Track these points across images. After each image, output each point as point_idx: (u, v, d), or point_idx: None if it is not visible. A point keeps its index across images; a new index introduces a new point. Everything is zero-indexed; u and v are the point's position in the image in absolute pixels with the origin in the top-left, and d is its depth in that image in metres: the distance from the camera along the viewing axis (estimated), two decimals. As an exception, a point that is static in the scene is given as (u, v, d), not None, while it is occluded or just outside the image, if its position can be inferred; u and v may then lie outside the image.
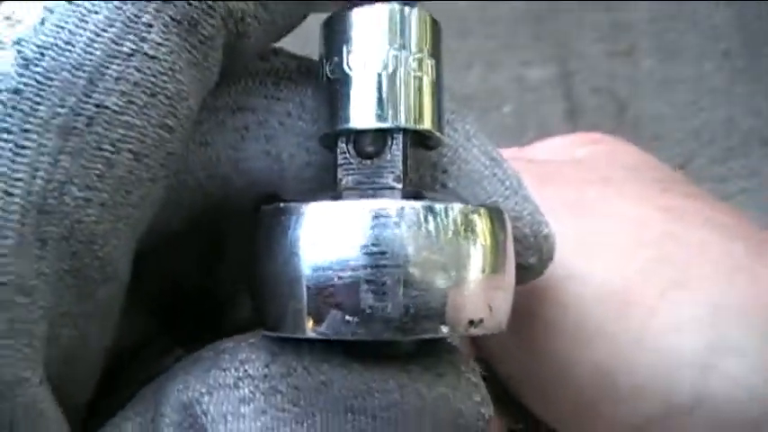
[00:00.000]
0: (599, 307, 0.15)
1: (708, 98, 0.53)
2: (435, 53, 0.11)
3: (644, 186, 0.17)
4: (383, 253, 0.09)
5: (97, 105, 0.09)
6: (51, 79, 0.09)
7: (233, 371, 0.10)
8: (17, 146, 0.09)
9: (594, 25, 0.53)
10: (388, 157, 0.11)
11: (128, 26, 0.09)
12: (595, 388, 0.15)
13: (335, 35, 0.11)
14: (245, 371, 0.10)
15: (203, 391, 0.10)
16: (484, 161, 0.12)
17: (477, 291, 0.10)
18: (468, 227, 0.10)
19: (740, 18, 0.53)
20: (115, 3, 0.09)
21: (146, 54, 0.09)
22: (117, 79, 0.09)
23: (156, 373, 0.11)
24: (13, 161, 0.09)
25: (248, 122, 0.11)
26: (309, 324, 0.10)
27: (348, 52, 0.11)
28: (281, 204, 0.10)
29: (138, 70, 0.09)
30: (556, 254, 0.13)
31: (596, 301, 0.15)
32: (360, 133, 0.11)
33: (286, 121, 0.12)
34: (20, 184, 0.09)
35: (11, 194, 0.09)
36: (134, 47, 0.09)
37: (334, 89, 0.11)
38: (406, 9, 0.11)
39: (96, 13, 0.09)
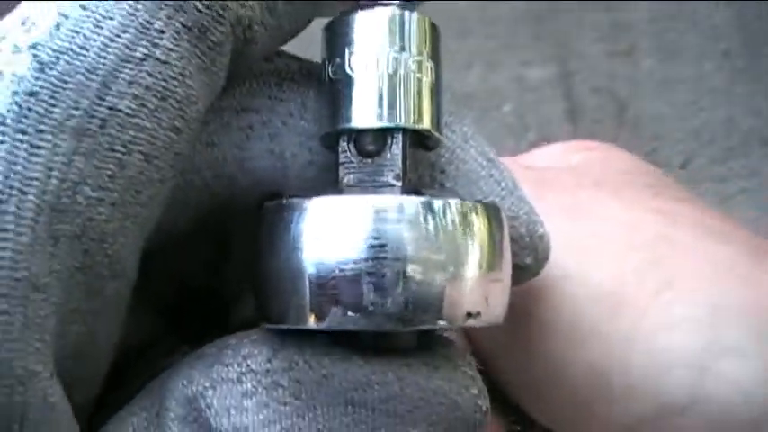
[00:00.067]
0: (593, 307, 0.16)
1: (708, 98, 0.53)
2: (434, 56, 0.11)
3: (636, 190, 0.18)
4: (383, 246, 0.10)
5: (110, 108, 0.09)
6: (66, 82, 0.09)
7: (236, 366, 0.11)
8: (32, 146, 0.09)
9: (594, 25, 0.53)
10: (389, 156, 0.11)
11: (140, 32, 0.10)
12: (589, 388, 0.16)
13: (338, 38, 0.11)
14: (248, 365, 0.11)
15: (207, 385, 0.10)
16: (481, 162, 0.12)
17: (475, 283, 0.10)
18: (467, 221, 0.10)
19: (740, 18, 0.54)
20: (128, 9, 0.10)
21: (157, 59, 0.10)
22: (129, 83, 0.10)
23: (162, 369, 0.11)
24: (28, 161, 0.09)
25: (252, 122, 0.12)
26: (312, 316, 0.10)
27: (350, 54, 0.11)
28: (284, 200, 0.11)
29: (150, 75, 0.10)
30: (551, 255, 0.13)
31: (590, 302, 0.16)
32: (361, 132, 0.11)
33: (289, 120, 0.12)
34: (35, 183, 0.09)
35: (25, 193, 0.09)
36: (146, 52, 0.10)
37: (336, 90, 0.11)
38: (407, 13, 0.11)
39: (110, 18, 0.10)
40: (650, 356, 0.15)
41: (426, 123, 0.11)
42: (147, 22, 0.10)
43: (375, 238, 0.10)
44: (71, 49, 0.09)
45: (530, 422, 0.18)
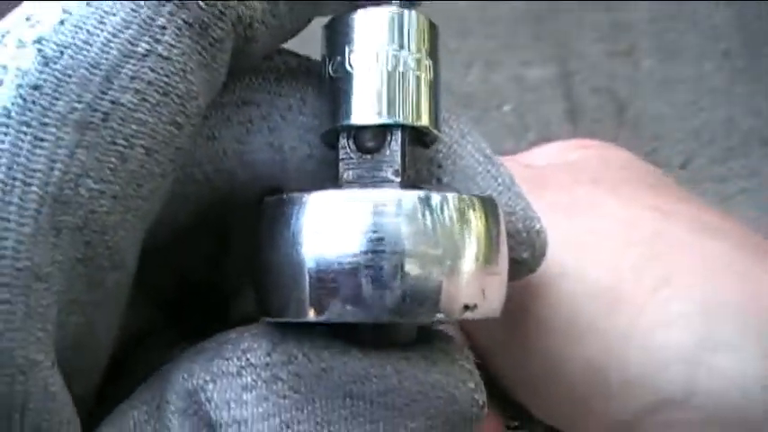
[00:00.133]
0: (591, 304, 0.16)
1: (708, 98, 0.53)
2: (433, 54, 0.11)
3: (634, 187, 0.18)
4: (381, 240, 0.10)
5: (113, 102, 0.10)
6: (69, 76, 0.09)
7: (235, 360, 0.11)
8: (36, 138, 0.09)
9: (594, 25, 0.53)
10: (388, 152, 0.11)
11: (143, 28, 0.10)
12: (587, 384, 0.16)
13: (338, 36, 0.11)
14: (248, 359, 0.11)
15: (207, 378, 0.11)
16: (478, 158, 0.13)
17: (472, 276, 0.10)
18: (464, 215, 0.10)
19: (740, 18, 0.54)
20: (131, 6, 0.10)
21: (159, 55, 0.10)
22: (132, 78, 0.10)
23: (161, 364, 0.11)
24: (31, 153, 0.09)
25: (252, 116, 0.12)
26: (311, 309, 0.10)
27: (350, 52, 0.11)
28: (284, 195, 0.11)
29: (152, 70, 0.10)
30: (549, 252, 0.14)
31: (588, 299, 0.16)
32: (360, 129, 0.11)
33: (287, 115, 0.12)
34: (38, 174, 0.09)
35: (29, 184, 0.09)
36: (149, 48, 0.10)
37: (336, 87, 0.11)
38: (406, 12, 0.11)
39: (114, 15, 0.10)
40: (647, 352, 0.15)
41: (425, 120, 0.11)
42: (150, 18, 0.10)
43: (373, 232, 0.10)
44: (75, 44, 0.09)
45: (528, 417, 0.18)
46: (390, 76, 0.11)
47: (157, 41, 0.10)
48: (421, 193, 0.10)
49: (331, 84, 0.11)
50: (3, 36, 0.10)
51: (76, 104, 0.09)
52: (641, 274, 0.16)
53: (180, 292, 0.14)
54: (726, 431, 0.15)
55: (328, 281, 0.10)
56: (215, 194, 0.12)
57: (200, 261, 0.14)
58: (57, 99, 0.09)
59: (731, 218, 0.18)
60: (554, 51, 0.53)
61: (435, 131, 0.12)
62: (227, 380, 0.11)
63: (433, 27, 0.11)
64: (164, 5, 0.10)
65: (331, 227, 0.10)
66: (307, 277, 0.10)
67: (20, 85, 0.09)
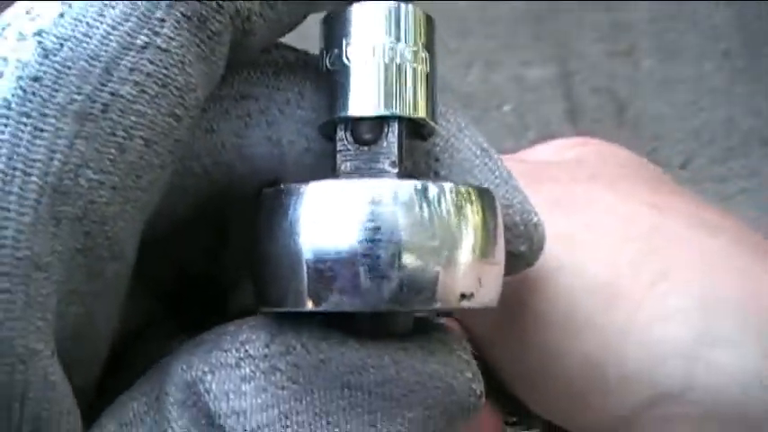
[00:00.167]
0: (589, 298, 0.16)
1: (708, 98, 0.53)
2: (430, 47, 0.11)
3: (632, 184, 0.18)
4: (378, 229, 0.10)
5: (112, 94, 0.10)
6: (69, 68, 0.09)
7: (234, 351, 0.11)
8: (36, 129, 0.09)
9: (594, 25, 0.53)
10: (385, 144, 0.11)
11: (142, 21, 0.10)
12: (585, 379, 0.16)
13: (335, 29, 0.11)
14: (246, 351, 0.11)
15: (206, 370, 0.11)
16: (475, 151, 0.13)
17: (469, 265, 0.10)
18: (461, 205, 0.10)
19: (740, 18, 0.54)
20: None
21: (158, 47, 0.10)
22: (131, 70, 0.10)
23: (161, 356, 0.12)
24: (31, 143, 0.09)
25: (250, 110, 0.12)
26: (310, 299, 0.10)
27: (347, 45, 0.11)
28: (282, 186, 0.11)
29: (151, 62, 0.10)
30: (546, 247, 0.14)
31: (586, 293, 0.16)
32: (358, 121, 0.11)
33: (285, 108, 0.12)
34: (37, 165, 0.09)
35: (29, 174, 0.09)
36: (147, 40, 0.10)
37: (333, 80, 0.11)
38: (402, 5, 0.11)
39: (113, 8, 0.10)
40: (645, 347, 0.15)
41: (422, 112, 0.11)
42: (149, 11, 0.10)
43: (370, 221, 0.10)
44: (74, 37, 0.10)
45: (526, 413, 0.18)
46: (387, 68, 0.11)
47: (156, 34, 0.10)
48: (418, 182, 0.10)
49: (328, 76, 0.11)
50: (3, 29, 0.10)
51: (76, 96, 0.10)
52: (639, 269, 0.16)
53: (179, 284, 0.14)
54: (724, 427, 0.15)
55: (326, 270, 0.10)
56: (213, 187, 0.12)
57: (199, 254, 0.14)
58: (56, 90, 0.09)
59: (730, 215, 0.18)
60: (554, 51, 0.53)
61: (432, 123, 0.12)
62: (225, 371, 0.11)
63: (429, 20, 0.11)
64: None
65: (328, 216, 0.10)
66: (304, 267, 0.10)
67: (20, 77, 0.09)
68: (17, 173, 0.09)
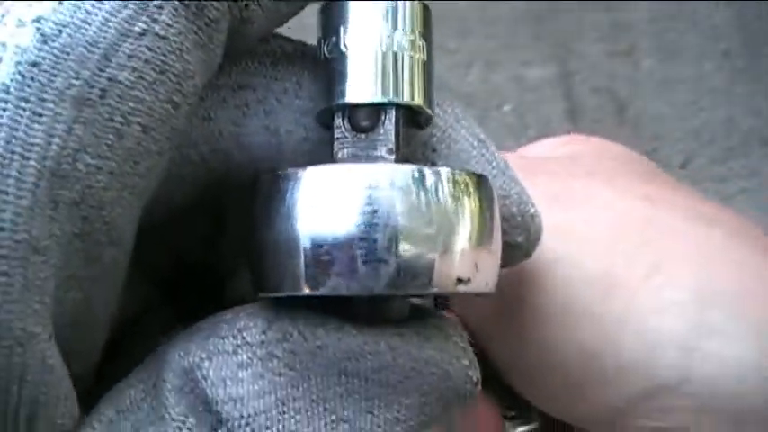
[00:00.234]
0: (586, 290, 0.16)
1: (708, 98, 0.53)
2: (427, 36, 0.12)
3: (629, 179, 0.18)
4: (375, 212, 0.10)
5: (110, 79, 0.10)
6: (68, 54, 0.10)
7: (231, 338, 0.11)
8: (34, 113, 0.09)
9: (594, 25, 0.53)
10: (382, 131, 0.11)
11: (140, 8, 0.10)
12: (582, 371, 0.16)
13: (333, 18, 0.11)
14: (243, 338, 0.11)
15: (203, 356, 0.11)
16: (472, 142, 0.13)
17: (466, 249, 0.10)
18: (457, 188, 0.11)
19: (740, 18, 0.54)
20: None
21: (156, 34, 0.10)
22: (129, 56, 0.10)
23: (158, 345, 0.12)
24: (30, 127, 0.09)
25: (248, 99, 0.12)
26: (307, 283, 0.10)
27: (345, 33, 0.11)
28: (279, 171, 0.11)
29: (149, 49, 0.10)
30: (543, 240, 0.14)
31: (583, 284, 0.16)
32: (355, 108, 0.11)
33: (283, 98, 0.12)
34: (36, 149, 0.09)
35: (27, 158, 0.09)
36: (146, 27, 0.10)
37: (331, 67, 0.11)
38: None
39: None
40: (641, 338, 0.15)
41: (418, 100, 0.11)
42: None
43: (367, 205, 0.10)
44: (73, 23, 0.10)
45: (524, 406, 0.18)
46: (384, 56, 0.11)
47: (154, 21, 0.10)
48: (415, 167, 0.10)
49: (326, 65, 0.11)
50: (3, 15, 0.10)
51: (74, 81, 0.10)
52: (633, 261, 0.16)
53: (176, 272, 0.14)
54: (721, 418, 0.15)
55: (323, 254, 0.10)
56: (211, 176, 0.12)
57: (197, 242, 0.14)
58: (55, 76, 0.09)
59: (728, 209, 0.18)
60: (554, 51, 0.54)
61: (429, 111, 0.12)
62: (222, 358, 0.11)
63: (426, 9, 0.12)
64: None
65: (325, 201, 0.10)
66: (302, 251, 0.10)
67: (19, 62, 0.09)
68: (15, 156, 0.09)
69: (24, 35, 0.10)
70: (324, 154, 0.12)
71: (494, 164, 0.13)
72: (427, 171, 0.10)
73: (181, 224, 0.13)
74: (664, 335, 0.15)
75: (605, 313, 0.16)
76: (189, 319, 0.12)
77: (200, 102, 0.12)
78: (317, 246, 0.10)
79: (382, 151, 0.11)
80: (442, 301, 0.17)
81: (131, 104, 0.10)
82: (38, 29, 0.10)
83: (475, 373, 0.11)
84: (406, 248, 0.10)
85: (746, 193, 0.53)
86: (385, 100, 0.11)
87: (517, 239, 0.13)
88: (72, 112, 0.10)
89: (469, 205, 0.11)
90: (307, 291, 0.10)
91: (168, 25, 0.10)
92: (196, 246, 0.14)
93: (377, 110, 0.11)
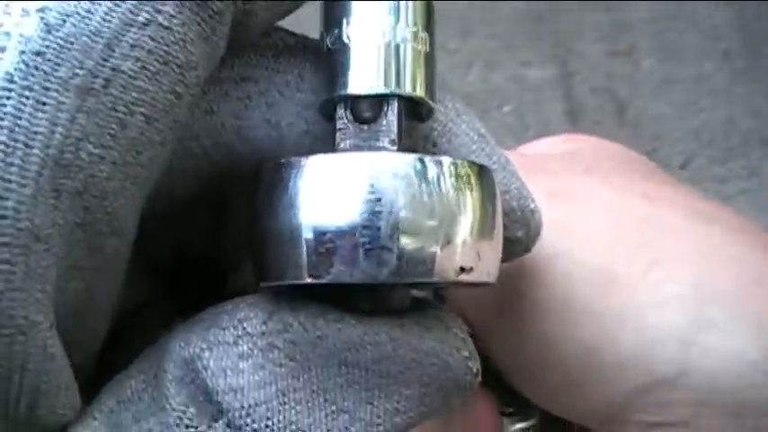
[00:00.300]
0: (586, 286, 0.16)
1: (708, 98, 0.53)
2: (429, 28, 0.12)
3: (627, 177, 0.18)
4: (378, 200, 0.10)
5: (113, 69, 0.10)
6: (72, 43, 0.10)
7: (232, 329, 0.11)
8: (38, 102, 0.09)
9: (594, 25, 0.53)
10: (384, 122, 0.11)
11: None
12: (582, 367, 0.16)
13: (336, 10, 0.11)
14: (244, 329, 0.11)
15: (204, 347, 0.11)
16: (472, 136, 0.13)
17: (468, 238, 0.11)
18: (460, 178, 0.11)
19: (740, 18, 0.54)
20: None
21: (160, 24, 0.10)
22: (132, 46, 0.10)
23: (159, 336, 0.12)
24: (33, 116, 0.09)
25: (250, 92, 0.12)
26: (310, 271, 0.10)
27: (347, 24, 0.11)
28: (282, 159, 0.11)
29: (153, 39, 0.10)
30: (543, 235, 0.14)
31: (583, 280, 0.16)
32: (357, 99, 0.11)
33: (285, 91, 0.12)
34: (39, 137, 0.09)
35: (30, 147, 0.09)
36: (149, 17, 0.10)
37: (333, 59, 0.11)
38: None
39: None
40: (641, 333, 0.16)
41: (420, 91, 0.11)
42: None
43: (370, 193, 0.10)
44: (77, 13, 0.10)
45: (524, 403, 0.18)
46: (387, 47, 0.11)
47: (158, 11, 0.10)
48: (417, 156, 0.10)
49: (329, 56, 0.11)
50: (7, 5, 0.10)
51: (78, 70, 0.10)
52: (633, 258, 0.16)
53: (179, 266, 0.14)
54: (720, 413, 0.15)
55: (326, 242, 0.10)
56: (213, 169, 0.12)
57: (199, 235, 0.14)
58: (59, 65, 0.10)
59: (728, 208, 0.18)
60: (554, 51, 0.54)
61: (431, 103, 0.12)
62: (223, 348, 0.11)
63: (429, 3, 0.12)
64: None
65: (328, 189, 0.10)
66: (304, 240, 0.10)
67: (23, 52, 0.10)
68: (19, 145, 0.09)
69: (28, 24, 0.10)
70: (325, 148, 0.12)
71: (494, 158, 0.13)
72: (430, 159, 0.10)
73: (183, 217, 0.13)
74: (663, 330, 0.15)
75: (605, 309, 0.16)
76: (190, 312, 0.12)
77: (203, 95, 0.12)
78: (319, 234, 0.10)
79: (384, 142, 0.11)
80: (440, 296, 0.17)
81: (134, 94, 0.10)
82: (42, 18, 0.10)
83: (475, 365, 0.11)
84: (409, 237, 0.10)
85: (746, 193, 0.53)
86: (387, 91, 0.11)
87: (517, 234, 0.13)
88: (75, 102, 0.10)
89: (472, 194, 0.11)
90: (309, 279, 0.10)
91: (172, 16, 0.10)
92: (198, 239, 0.14)
93: (379, 101, 0.11)
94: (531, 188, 0.13)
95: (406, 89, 0.11)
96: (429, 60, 0.12)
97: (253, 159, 0.12)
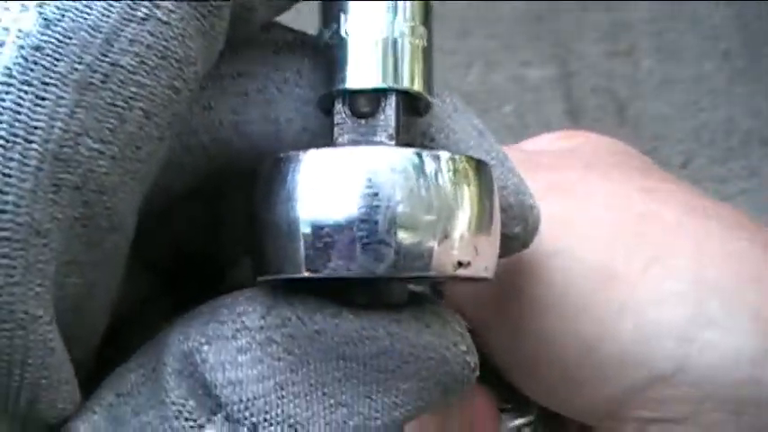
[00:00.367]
0: (584, 282, 0.16)
1: (708, 98, 0.53)
2: (427, 24, 0.12)
3: (624, 172, 0.18)
4: (376, 194, 0.10)
5: (112, 64, 0.10)
6: (70, 38, 0.10)
7: (230, 323, 0.11)
8: (37, 97, 0.09)
9: (594, 25, 0.53)
10: (382, 117, 0.11)
11: None
12: (580, 363, 0.16)
13: (334, 5, 0.12)
14: (243, 323, 0.11)
15: (203, 341, 0.11)
16: (471, 132, 0.13)
17: (466, 232, 0.11)
18: (457, 172, 0.11)
19: (740, 18, 0.54)
20: None
21: (159, 19, 0.10)
22: (131, 41, 0.10)
23: (158, 331, 0.12)
24: (32, 111, 0.09)
25: (248, 88, 0.12)
26: (307, 265, 0.10)
27: (345, 19, 0.11)
28: (280, 154, 0.11)
29: (151, 34, 0.10)
30: (541, 231, 0.14)
31: (581, 276, 0.16)
32: (355, 93, 0.11)
33: (284, 87, 0.12)
34: (38, 132, 0.09)
35: (30, 141, 0.09)
36: (148, 12, 0.10)
37: (331, 54, 0.11)
38: None
39: None
40: (640, 329, 0.16)
41: (418, 86, 0.11)
42: None
43: (368, 187, 0.10)
44: (75, 7, 0.10)
45: (523, 399, 0.18)
46: (385, 42, 0.11)
47: (157, 6, 0.10)
48: (415, 150, 0.11)
49: (327, 51, 0.12)
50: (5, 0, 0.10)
51: (77, 65, 0.10)
52: (632, 253, 0.16)
53: (176, 262, 0.14)
54: (719, 409, 0.15)
55: (324, 236, 0.10)
56: (211, 164, 0.12)
57: (197, 231, 0.14)
58: (58, 60, 0.10)
59: (727, 205, 0.18)
60: (554, 51, 0.54)
61: (429, 98, 0.12)
62: (222, 342, 0.11)
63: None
64: None
65: (326, 183, 0.10)
66: (302, 234, 0.10)
67: (22, 47, 0.10)
68: (18, 140, 0.09)
69: (27, 19, 0.10)
70: (323, 142, 0.12)
71: (492, 154, 0.13)
72: (428, 154, 0.10)
73: (181, 213, 0.13)
74: (662, 326, 0.15)
75: (604, 305, 0.16)
76: (189, 308, 0.12)
77: (201, 90, 0.12)
78: (317, 228, 0.10)
79: (382, 137, 0.11)
80: (438, 292, 0.17)
81: (133, 89, 0.10)
82: (40, 13, 0.10)
83: (473, 359, 0.11)
84: (406, 231, 0.10)
85: (746, 193, 0.53)
86: (385, 86, 0.11)
87: (515, 230, 0.13)
88: (74, 96, 0.10)
89: (470, 188, 0.11)
90: (307, 273, 0.10)
91: (171, 11, 0.10)
92: (196, 235, 0.14)
93: (377, 96, 0.11)
94: (529, 184, 0.13)
95: (404, 83, 0.11)
96: (427, 55, 0.12)
97: (251, 155, 0.12)
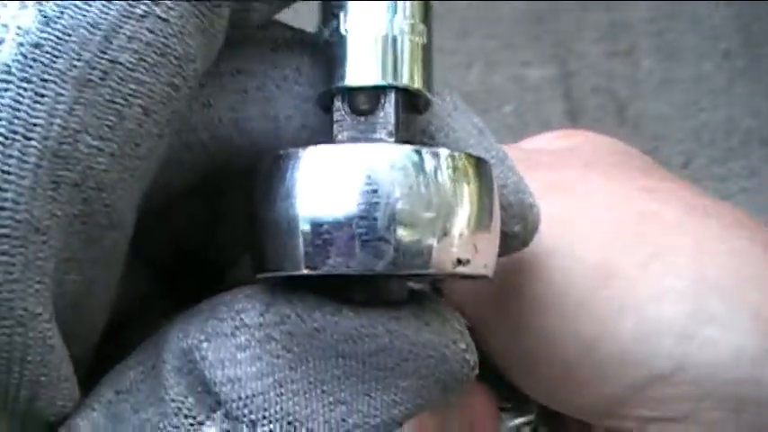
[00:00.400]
0: (584, 280, 0.16)
1: (708, 98, 0.53)
2: (426, 21, 0.12)
3: (624, 171, 0.18)
4: (375, 191, 0.10)
5: (111, 61, 0.10)
6: (69, 35, 0.10)
7: (230, 320, 0.11)
8: (36, 94, 0.09)
9: (594, 25, 0.53)
10: (382, 114, 0.11)
11: None
12: (580, 362, 0.16)
13: (333, 3, 0.12)
14: (242, 320, 0.11)
15: (202, 338, 0.11)
16: (470, 131, 0.13)
17: (465, 230, 0.11)
18: (456, 170, 0.11)
19: (740, 18, 0.54)
20: None
21: (158, 16, 0.10)
22: (130, 38, 0.10)
23: (156, 329, 0.12)
24: (31, 108, 0.09)
25: (248, 86, 0.12)
26: (307, 262, 0.10)
27: (345, 16, 0.11)
28: (280, 151, 0.11)
29: (150, 31, 0.10)
30: (541, 230, 0.14)
31: (581, 275, 0.16)
32: (354, 91, 0.11)
33: (283, 84, 0.12)
34: (37, 129, 0.09)
35: (29, 138, 0.09)
36: (147, 9, 0.10)
37: (331, 51, 0.11)
38: None
39: None
40: (639, 327, 0.16)
41: (418, 83, 0.11)
42: None
43: (367, 184, 0.10)
44: (74, 4, 0.10)
45: (522, 398, 0.18)
46: (385, 39, 0.11)
47: (156, 3, 0.10)
48: (414, 147, 0.11)
49: (326, 49, 0.12)
50: None
51: (76, 62, 0.10)
52: (632, 251, 0.16)
53: (175, 261, 0.14)
54: (719, 406, 0.15)
55: (323, 234, 0.10)
56: (211, 162, 0.12)
57: (196, 229, 0.14)
58: (57, 57, 0.10)
59: (727, 203, 0.18)
60: (554, 51, 0.54)
61: (428, 96, 0.12)
62: (221, 339, 0.11)
63: None
64: None
65: (325, 180, 0.10)
66: (301, 231, 0.10)
67: (21, 44, 0.10)
68: (18, 136, 0.09)
69: (26, 16, 0.10)
70: (323, 139, 0.12)
71: (492, 152, 0.13)
72: (427, 151, 0.10)
73: (180, 211, 0.13)
74: (662, 324, 0.15)
75: (603, 303, 0.16)
76: (188, 306, 0.12)
77: (201, 88, 0.12)
78: (316, 225, 0.10)
79: (382, 134, 0.11)
80: (438, 290, 0.17)
81: (132, 86, 0.10)
82: (40, 10, 0.10)
83: (472, 357, 0.11)
84: (406, 228, 0.10)
85: (746, 193, 0.53)
86: (385, 83, 0.11)
87: (514, 229, 0.13)
88: (73, 93, 0.10)
89: (469, 185, 0.11)
90: (306, 270, 0.10)
91: (170, 8, 0.10)
92: (195, 232, 0.14)
93: (376, 93, 0.11)
94: (529, 183, 0.13)
95: (404, 81, 0.11)
96: (426, 53, 0.12)
97: (250, 152, 0.12)
